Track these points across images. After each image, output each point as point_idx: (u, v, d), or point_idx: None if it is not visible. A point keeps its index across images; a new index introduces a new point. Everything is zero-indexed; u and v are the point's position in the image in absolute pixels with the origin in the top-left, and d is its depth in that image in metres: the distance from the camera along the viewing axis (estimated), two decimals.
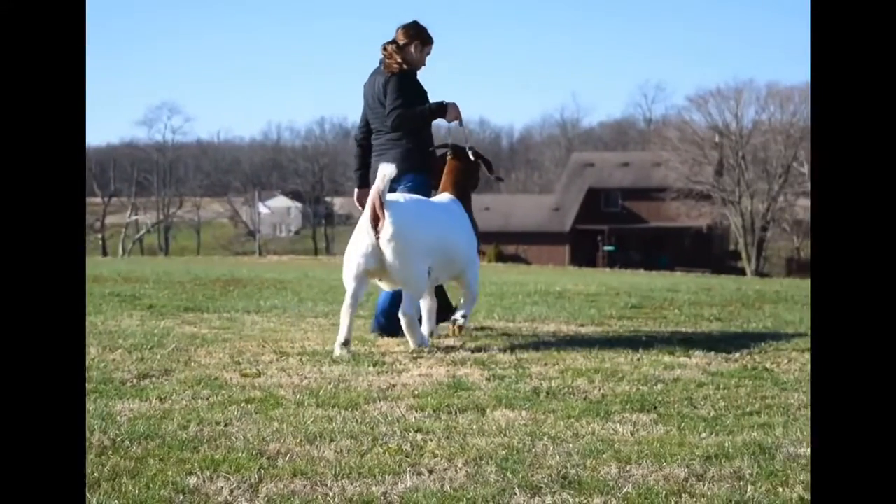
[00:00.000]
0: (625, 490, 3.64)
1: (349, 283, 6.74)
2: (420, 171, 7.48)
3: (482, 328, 8.23)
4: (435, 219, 6.97)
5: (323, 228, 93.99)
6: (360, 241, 6.68)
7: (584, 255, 66.40)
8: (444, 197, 7.37)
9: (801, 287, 19.78)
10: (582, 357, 6.52)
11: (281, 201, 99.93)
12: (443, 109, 7.48)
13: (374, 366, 6.17)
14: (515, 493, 3.61)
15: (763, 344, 7.22)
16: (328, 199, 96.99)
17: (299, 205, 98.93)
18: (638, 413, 4.91)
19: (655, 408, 5.02)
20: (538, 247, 68.89)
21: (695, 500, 3.55)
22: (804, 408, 5.05)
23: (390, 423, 4.67)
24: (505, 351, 6.73)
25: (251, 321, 8.93)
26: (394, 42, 7.56)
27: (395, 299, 7.32)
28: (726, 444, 4.24)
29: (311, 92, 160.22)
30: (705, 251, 68.06)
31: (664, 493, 3.60)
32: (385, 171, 6.52)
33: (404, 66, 7.48)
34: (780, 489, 3.65)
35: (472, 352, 6.73)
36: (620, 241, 68.53)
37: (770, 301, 12.72)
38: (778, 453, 4.11)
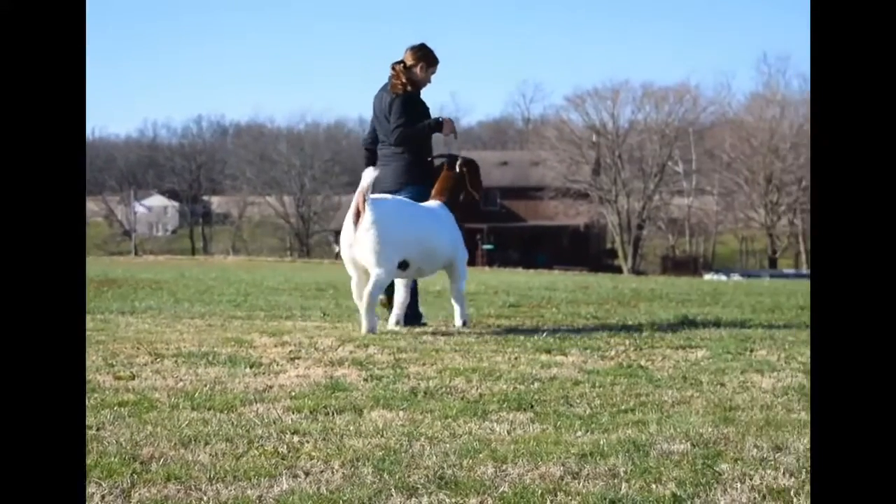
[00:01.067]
0: (501, 489, 3.65)
1: (348, 272, 7.80)
2: (418, 183, 8.38)
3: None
4: (414, 218, 7.82)
5: (200, 227, 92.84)
6: (345, 233, 7.68)
7: None
8: (432, 202, 8.22)
9: (676, 284, 20.17)
10: (460, 357, 6.54)
11: (157, 200, 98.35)
12: (439, 125, 8.38)
13: (251, 367, 6.11)
14: (392, 495, 3.60)
15: (638, 342, 7.33)
16: (205, 197, 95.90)
17: (176, 204, 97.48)
18: (515, 412, 4.94)
19: (532, 406, 5.06)
20: None
21: (570, 498, 3.58)
22: (677, 404, 5.13)
23: (266, 425, 4.62)
24: (383, 351, 6.73)
25: (125, 322, 8.78)
26: (402, 62, 8.46)
27: (414, 294, 8.39)
28: (601, 442, 4.29)
29: (188, 89, 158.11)
30: (583, 249, 68.98)
31: (540, 491, 3.63)
32: (369, 174, 7.50)
33: (408, 87, 8.38)
34: (654, 486, 3.70)
35: (351, 352, 6.71)
36: (499, 239, 69.01)
37: (646, 299, 12.93)
38: (652, 450, 4.17)
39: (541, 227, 69.80)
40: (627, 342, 7.28)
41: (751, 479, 3.77)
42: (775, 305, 11.79)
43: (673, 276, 42.70)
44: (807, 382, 5.67)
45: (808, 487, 3.69)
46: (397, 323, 8.16)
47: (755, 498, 3.59)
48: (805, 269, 64.18)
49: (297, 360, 6.38)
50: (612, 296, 13.48)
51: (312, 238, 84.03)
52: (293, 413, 4.88)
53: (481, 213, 70.23)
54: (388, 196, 7.86)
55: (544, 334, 7.67)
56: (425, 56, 8.52)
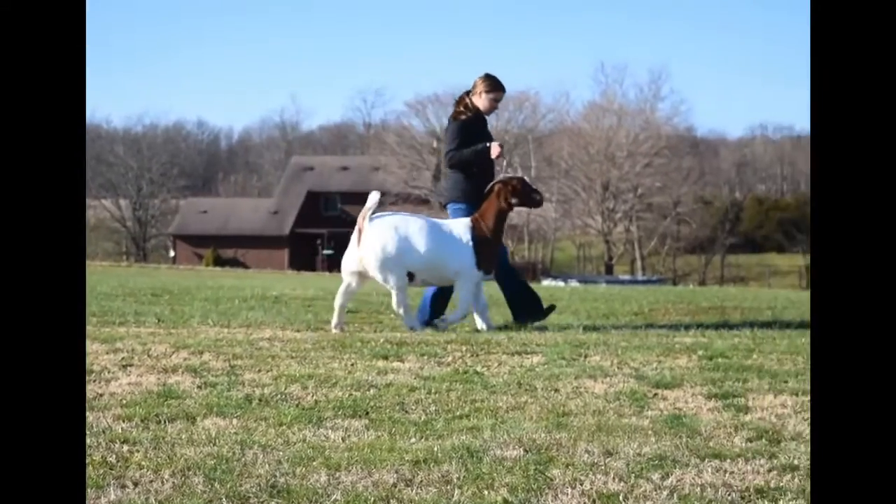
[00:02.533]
0: (333, 497, 3.63)
1: (343, 277, 8.78)
2: (461, 201, 9.15)
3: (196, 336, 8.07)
4: (416, 235, 8.57)
5: None
6: (349, 248, 8.69)
7: (303, 259, 66.38)
8: (458, 220, 8.96)
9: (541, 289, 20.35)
10: (296, 363, 6.48)
11: None
12: (486, 150, 9.02)
13: None
14: None
15: (475, 348, 7.37)
16: None
17: None
18: (350, 419, 4.92)
19: (367, 413, 5.05)
20: (257, 251, 68.42)
21: None
22: (512, 410, 5.18)
23: (95, 434, 4.50)
24: (218, 358, 6.62)
25: None
26: (468, 91, 9.31)
27: (435, 298, 9.21)
28: (435, 449, 4.30)
29: None
30: None
31: (373, 499, 3.62)
32: (373, 197, 8.52)
33: (467, 113, 9.21)
34: (486, 492, 3.72)
35: (185, 359, 6.58)
36: (340, 244, 68.76)
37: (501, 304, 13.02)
38: (485, 456, 4.20)
39: None
40: (464, 348, 7.31)
41: (581, 485, 3.83)
42: (610, 311, 12.00)
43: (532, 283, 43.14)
44: (638, 387, 5.78)
45: (636, 491, 3.76)
46: (488, 328, 8.95)
47: (585, 503, 3.65)
48: (640, 276, 65.72)
49: (129, 368, 6.24)
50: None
51: (149, 242, 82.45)
52: (123, 422, 4.77)
53: (321, 219, 70.00)
54: (391, 213, 8.82)
55: (381, 340, 7.66)
56: (485, 83, 9.27)
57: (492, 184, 9.01)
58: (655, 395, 5.63)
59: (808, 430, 4.75)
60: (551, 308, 9.55)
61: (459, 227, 8.89)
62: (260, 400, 5.31)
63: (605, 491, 3.76)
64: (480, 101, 9.31)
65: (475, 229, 8.86)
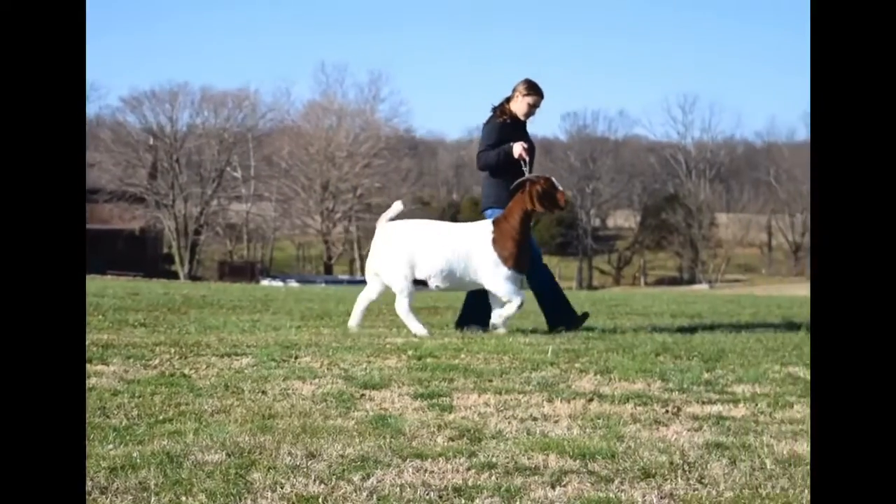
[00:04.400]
0: None
1: (367, 280, 9.04)
2: (496, 206, 9.00)
3: None
4: (425, 241, 8.62)
5: None
6: (370, 252, 8.95)
7: None
8: (478, 223, 8.85)
9: (229, 291, 20.15)
10: None
11: None
12: (510, 152, 8.87)
13: None
14: None
15: (184, 350, 7.22)
16: None
17: None
18: None
19: None
20: None
21: None
22: (217, 413, 5.10)
23: None
24: None
25: None
26: (507, 98, 9.21)
27: (473, 301, 9.14)
28: (134, 455, 4.18)
29: None
30: (139, 254, 67.45)
31: None
32: (396, 206, 8.85)
33: (503, 116, 9.13)
34: (184, 498, 3.65)
35: None
36: None
37: (196, 306, 12.83)
38: (185, 461, 4.12)
39: (95, 231, 67.59)
40: (173, 350, 7.15)
41: (282, 488, 3.81)
42: (324, 312, 12.03)
43: (229, 282, 42.72)
44: (346, 388, 5.80)
45: (336, 493, 3.77)
46: (494, 327, 8.79)
47: None
48: (360, 276, 66.16)
49: None
50: (163, 302, 13.27)
51: None
52: None
53: None
54: (410, 220, 8.88)
55: (87, 343, 7.40)
56: (523, 86, 9.15)
57: (517, 181, 8.80)
58: (363, 395, 5.66)
59: (508, 428, 4.88)
60: (585, 315, 9.33)
61: (479, 229, 8.79)
62: None
63: (305, 494, 3.75)
64: (517, 105, 9.21)
65: (496, 229, 8.69)
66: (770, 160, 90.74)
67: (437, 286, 8.78)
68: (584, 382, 6.10)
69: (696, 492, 3.92)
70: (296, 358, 6.91)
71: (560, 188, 8.87)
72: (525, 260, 8.74)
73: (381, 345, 7.50)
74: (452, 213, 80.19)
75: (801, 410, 5.37)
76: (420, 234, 8.74)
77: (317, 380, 6.10)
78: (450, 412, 5.26)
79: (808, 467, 4.19)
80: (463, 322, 9.18)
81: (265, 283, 48.86)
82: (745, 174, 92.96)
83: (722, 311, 13.62)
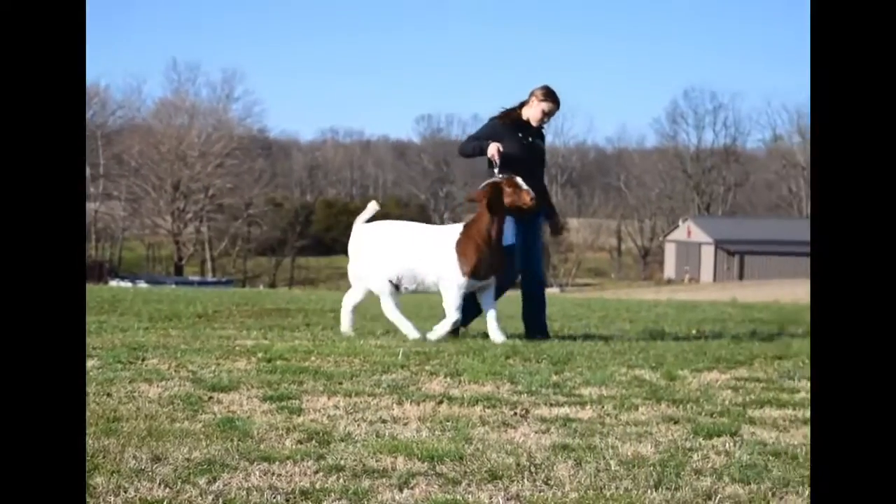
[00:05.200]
0: None
1: (351, 283, 8.99)
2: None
3: None
4: (395, 241, 8.53)
5: None
6: (350, 255, 8.84)
7: None
8: (450, 226, 8.75)
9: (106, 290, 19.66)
10: None
11: None
12: (486, 149, 8.65)
13: None
14: None
15: None
16: None
17: None
18: None
19: None
20: None
21: None
22: None
23: None
24: None
25: None
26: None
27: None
28: None
29: None
30: None
31: None
32: (370, 206, 8.79)
33: (509, 117, 8.93)
34: None
35: None
36: None
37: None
38: None
39: None
40: None
41: (125, 492, 3.74)
42: (173, 313, 11.85)
43: None
44: (194, 391, 5.72)
45: (181, 497, 3.72)
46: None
47: None
48: (210, 277, 65.36)
49: None
50: None
51: None
52: None
53: None
54: (383, 222, 8.76)
55: None
56: (538, 92, 8.95)
57: (483, 184, 8.51)
58: (210, 398, 5.59)
59: (357, 430, 4.87)
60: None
61: (447, 232, 8.60)
62: None
63: (149, 498, 3.69)
64: (531, 110, 8.98)
65: (464, 233, 8.43)
66: (620, 166, 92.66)
67: (405, 289, 8.65)
68: (434, 385, 6.13)
69: (542, 493, 3.97)
70: (143, 360, 6.79)
71: (525, 188, 8.40)
72: (487, 267, 8.41)
73: (230, 347, 7.42)
74: (306, 215, 79.87)
75: (646, 412, 5.48)
76: (391, 235, 8.62)
77: (164, 382, 6.00)
78: (299, 415, 5.23)
79: (651, 469, 4.28)
80: (467, 322, 8.98)
81: (113, 283, 47.87)
82: (596, 179, 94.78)
83: (572, 315, 13.82)
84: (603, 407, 5.60)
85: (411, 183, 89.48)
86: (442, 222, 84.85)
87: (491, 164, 8.67)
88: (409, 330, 8.53)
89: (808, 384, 6.44)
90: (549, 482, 4.11)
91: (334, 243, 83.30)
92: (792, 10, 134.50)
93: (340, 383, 6.08)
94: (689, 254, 77.33)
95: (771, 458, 4.53)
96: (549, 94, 8.99)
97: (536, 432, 4.96)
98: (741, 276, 70.72)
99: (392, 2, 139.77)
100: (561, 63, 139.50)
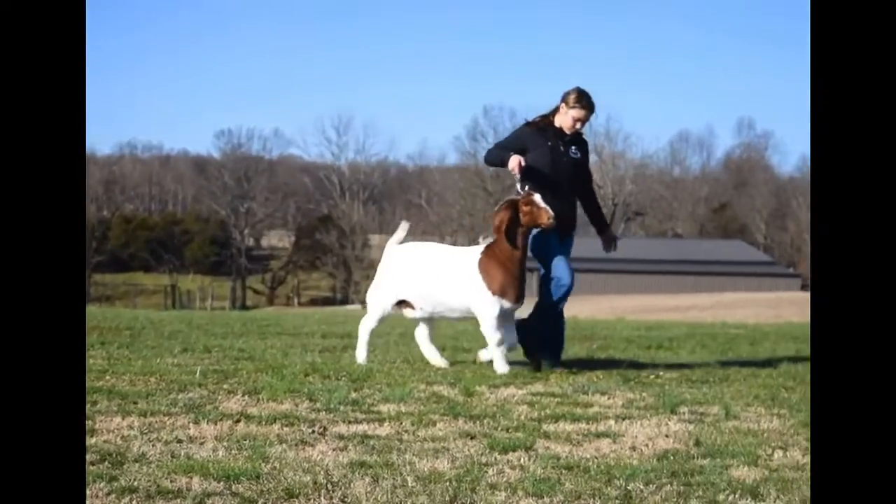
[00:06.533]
0: None
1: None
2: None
3: None
4: (414, 262, 8.06)
5: None
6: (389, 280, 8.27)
7: None
8: (473, 247, 8.04)
9: None
10: None
11: None
12: (507, 161, 8.01)
13: None
14: None
15: None
16: None
17: None
18: None
19: None
20: None
21: None
22: None
23: None
24: None
25: None
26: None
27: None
28: None
29: None
30: None
31: None
32: (402, 227, 8.31)
33: (539, 123, 8.26)
34: None
35: None
36: None
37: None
38: None
39: None
40: None
41: None
42: None
43: None
44: None
45: None
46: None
47: None
48: None
49: None
50: None
51: None
52: None
53: None
54: (410, 243, 8.25)
55: None
56: (570, 97, 8.21)
57: (502, 202, 7.98)
58: None
59: (152, 451, 4.78)
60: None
61: (470, 253, 8.00)
62: None
63: None
64: (562, 117, 8.22)
65: (485, 253, 7.89)
66: (422, 183, 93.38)
67: (421, 309, 8.13)
68: (231, 403, 6.06)
69: None
70: None
71: (542, 206, 7.78)
72: (517, 286, 7.85)
73: None
74: (103, 231, 77.91)
75: (444, 428, 5.54)
76: (409, 255, 8.17)
77: None
78: (91, 436, 5.09)
79: (447, 484, 4.34)
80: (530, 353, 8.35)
81: None
82: (398, 196, 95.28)
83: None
84: (401, 423, 5.63)
85: (211, 198, 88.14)
86: (242, 239, 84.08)
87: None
88: (436, 360, 8.23)
89: (601, 398, 6.63)
90: (346, 500, 4.12)
91: (131, 259, 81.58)
92: (582, 32, 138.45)
93: (135, 403, 5.95)
94: None
95: (564, 471, 4.64)
96: (580, 100, 8.21)
97: (334, 450, 4.96)
98: None
99: (189, 16, 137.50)
100: (359, 79, 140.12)
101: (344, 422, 5.65)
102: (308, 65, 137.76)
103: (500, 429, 5.56)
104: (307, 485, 4.25)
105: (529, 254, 8.01)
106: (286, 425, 5.47)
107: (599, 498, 4.20)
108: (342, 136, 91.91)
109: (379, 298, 8.26)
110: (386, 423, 5.63)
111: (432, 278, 8.03)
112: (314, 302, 79.40)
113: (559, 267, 8.09)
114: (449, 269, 7.99)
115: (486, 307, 7.82)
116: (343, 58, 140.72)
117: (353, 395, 6.44)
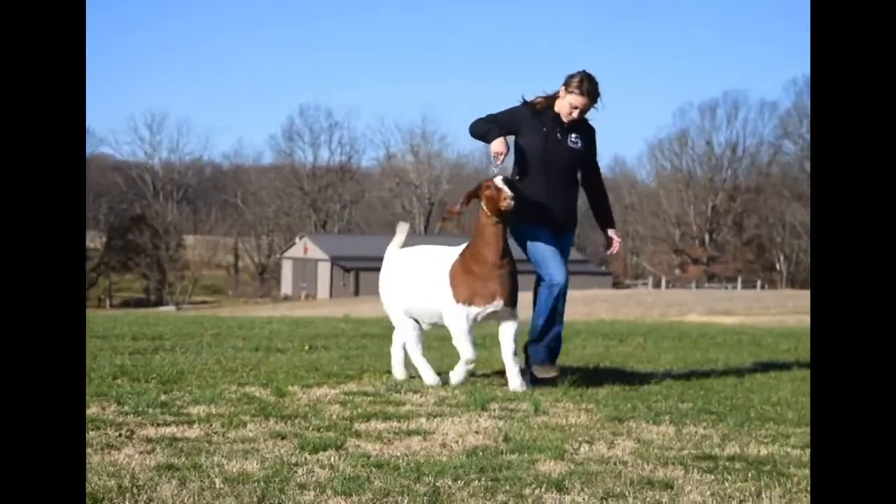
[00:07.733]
0: None
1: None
2: (516, 221, 7.27)
3: None
4: (407, 267, 7.48)
5: None
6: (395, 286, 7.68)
7: None
8: (458, 247, 7.34)
9: None
10: None
11: None
12: (488, 140, 7.31)
13: None
14: None
15: None
16: None
17: None
18: None
19: None
20: None
21: None
22: None
23: None
24: None
25: None
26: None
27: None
28: None
29: None
30: None
31: None
32: (401, 229, 7.72)
33: (530, 105, 7.47)
34: None
35: None
36: None
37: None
38: None
39: None
40: None
41: None
42: None
43: None
44: None
45: None
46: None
47: None
48: None
49: None
50: None
51: None
52: None
53: None
54: (408, 248, 7.69)
55: None
56: (570, 81, 7.41)
57: (471, 191, 7.27)
58: None
59: None
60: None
61: (450, 253, 7.30)
62: None
63: None
64: (560, 101, 7.41)
65: (458, 259, 7.19)
66: (237, 182, 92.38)
67: (418, 318, 7.54)
68: None
69: None
70: None
71: (501, 187, 7.02)
72: (484, 290, 7.11)
73: None
74: None
75: (254, 429, 5.51)
76: (404, 261, 7.60)
77: None
78: None
79: (255, 485, 4.31)
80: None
81: None
82: (213, 196, 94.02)
83: (185, 332, 13.65)
84: (211, 425, 5.57)
85: None
86: None
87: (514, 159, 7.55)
88: (428, 375, 7.41)
89: (414, 396, 6.68)
90: (152, 503, 4.05)
91: None
92: (401, 30, 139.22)
93: None
94: (306, 270, 78.23)
95: (374, 469, 4.67)
96: (580, 85, 7.41)
97: (141, 453, 4.88)
98: (357, 292, 72.24)
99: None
100: (172, 76, 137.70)
101: (152, 424, 5.55)
102: (119, 60, 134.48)
103: (311, 428, 5.55)
104: (112, 489, 4.17)
105: (526, 255, 7.54)
106: (92, 429, 5.34)
107: (408, 495, 4.24)
108: (155, 135, 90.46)
109: (390, 311, 7.70)
110: (195, 425, 5.56)
111: (420, 289, 7.41)
112: (127, 304, 77.70)
113: (550, 265, 7.41)
114: (429, 278, 7.34)
115: (452, 319, 7.19)
116: (155, 54, 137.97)
117: (163, 397, 6.34)
